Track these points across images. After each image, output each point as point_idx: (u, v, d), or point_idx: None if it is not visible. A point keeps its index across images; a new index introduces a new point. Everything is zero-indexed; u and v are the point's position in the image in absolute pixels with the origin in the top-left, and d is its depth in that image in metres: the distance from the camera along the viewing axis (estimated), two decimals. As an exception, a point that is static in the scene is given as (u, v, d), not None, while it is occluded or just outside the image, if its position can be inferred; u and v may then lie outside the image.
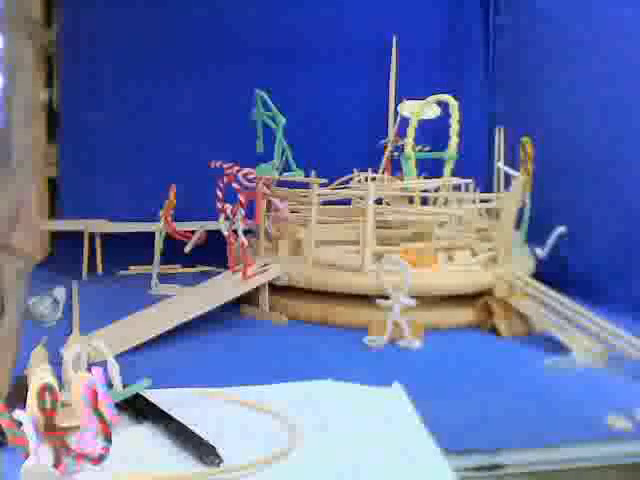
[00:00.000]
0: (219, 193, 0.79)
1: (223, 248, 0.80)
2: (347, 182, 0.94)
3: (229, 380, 0.57)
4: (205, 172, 0.81)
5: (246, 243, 0.77)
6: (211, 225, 0.87)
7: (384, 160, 0.97)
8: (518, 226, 0.84)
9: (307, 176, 0.91)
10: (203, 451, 0.44)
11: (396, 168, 0.95)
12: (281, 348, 0.69)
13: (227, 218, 0.78)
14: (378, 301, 0.69)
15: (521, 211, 0.83)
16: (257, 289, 0.77)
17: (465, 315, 0.75)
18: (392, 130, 0.98)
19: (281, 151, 0.91)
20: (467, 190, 0.89)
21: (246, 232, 0.78)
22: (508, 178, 0.85)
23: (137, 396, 0.52)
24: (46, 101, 1.03)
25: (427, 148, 0.93)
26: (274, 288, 0.78)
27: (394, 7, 1.10)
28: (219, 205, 0.78)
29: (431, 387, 0.58)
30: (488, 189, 0.91)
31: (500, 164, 0.88)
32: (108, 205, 1.04)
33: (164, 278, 0.89)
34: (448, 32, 1.15)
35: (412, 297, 0.68)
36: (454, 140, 0.84)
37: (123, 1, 1.05)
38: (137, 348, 0.67)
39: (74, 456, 0.43)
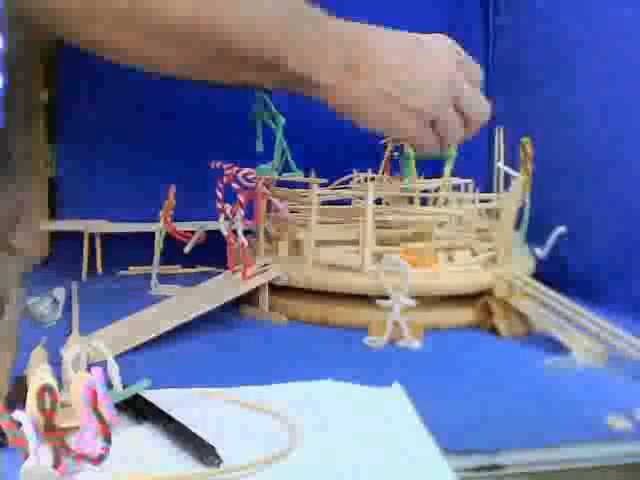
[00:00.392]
0: (219, 193, 0.79)
1: (223, 248, 0.80)
2: (347, 182, 0.94)
3: (229, 380, 0.57)
4: (205, 172, 0.81)
5: (246, 243, 0.77)
6: (211, 225, 0.87)
7: (384, 160, 0.97)
8: (518, 226, 0.84)
9: (307, 176, 0.91)
10: (203, 451, 0.44)
11: (395, 168, 0.95)
12: (281, 348, 0.69)
13: (227, 218, 0.78)
14: (378, 301, 0.69)
15: (521, 211, 0.83)
16: (257, 289, 0.77)
17: (465, 315, 0.75)
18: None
19: (281, 151, 0.91)
20: (467, 190, 0.89)
21: (246, 232, 0.78)
22: (508, 178, 0.84)
23: (137, 396, 0.52)
24: (46, 101, 1.03)
25: None
26: (274, 288, 0.78)
27: (394, 7, 1.10)
28: (219, 205, 0.78)
29: (431, 387, 0.58)
30: (488, 189, 0.91)
31: (500, 164, 0.88)
32: (108, 205, 1.04)
33: (164, 278, 0.89)
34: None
35: (412, 297, 0.68)
36: None
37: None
38: (137, 348, 0.67)
39: (74, 456, 0.42)
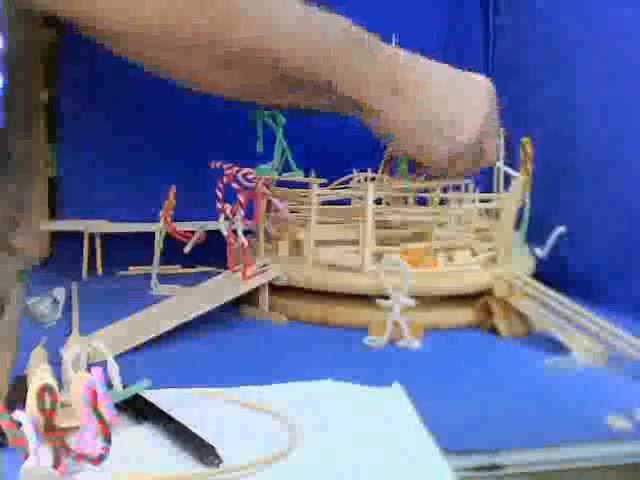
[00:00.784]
0: (219, 193, 0.79)
1: (223, 248, 0.80)
2: (347, 182, 0.94)
3: (229, 380, 0.57)
4: (205, 172, 0.81)
5: (246, 243, 0.77)
6: (211, 225, 0.87)
7: (384, 160, 0.96)
8: (518, 226, 0.84)
9: (307, 176, 0.91)
10: (203, 451, 0.44)
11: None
12: (281, 348, 0.69)
13: (227, 218, 0.78)
14: (378, 301, 0.69)
15: (521, 211, 0.83)
16: (257, 289, 0.77)
17: (465, 315, 0.75)
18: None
19: (281, 151, 0.91)
20: (467, 190, 0.89)
21: (246, 232, 0.78)
22: (508, 178, 0.84)
23: (137, 396, 0.52)
24: (46, 101, 1.03)
25: None
26: (274, 288, 0.78)
27: (394, 7, 1.10)
28: (219, 205, 0.78)
29: (431, 387, 0.58)
30: (488, 189, 0.91)
31: (500, 164, 0.88)
32: (108, 205, 1.04)
33: (164, 278, 0.89)
34: (448, 32, 1.15)
35: (412, 297, 0.68)
36: None
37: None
38: (137, 348, 0.67)
39: (74, 456, 0.42)
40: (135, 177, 1.06)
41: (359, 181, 0.93)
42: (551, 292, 0.72)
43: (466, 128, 0.76)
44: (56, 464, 0.42)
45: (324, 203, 0.86)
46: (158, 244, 0.88)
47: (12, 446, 0.43)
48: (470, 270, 0.77)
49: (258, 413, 0.52)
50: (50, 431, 0.42)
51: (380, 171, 0.92)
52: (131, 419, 0.50)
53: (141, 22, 0.69)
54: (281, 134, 0.90)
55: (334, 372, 0.58)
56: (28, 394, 0.42)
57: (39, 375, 0.43)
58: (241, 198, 0.77)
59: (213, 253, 0.87)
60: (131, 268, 0.98)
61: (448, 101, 0.76)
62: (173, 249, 0.90)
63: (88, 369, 0.52)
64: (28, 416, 0.42)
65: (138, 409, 0.51)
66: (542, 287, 0.73)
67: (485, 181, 0.93)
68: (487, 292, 0.74)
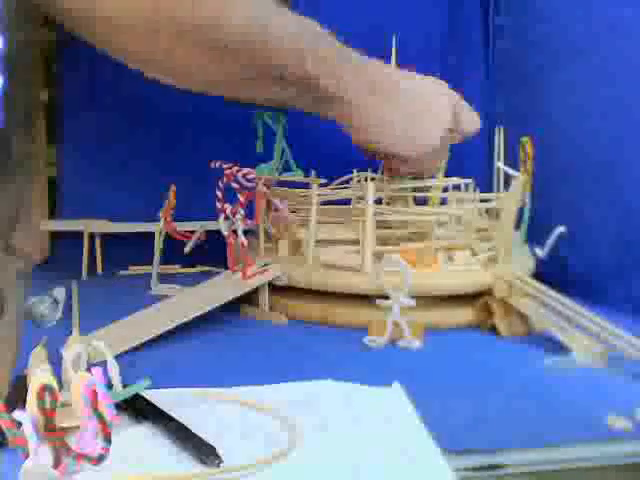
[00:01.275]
0: (219, 193, 0.79)
1: (223, 248, 0.80)
2: (347, 182, 0.94)
3: (229, 380, 0.57)
4: (205, 172, 0.81)
5: (246, 243, 0.77)
6: (211, 225, 0.87)
7: (384, 160, 0.96)
8: (518, 226, 0.84)
9: (307, 176, 0.91)
10: (203, 451, 0.44)
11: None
12: (281, 348, 0.69)
13: (227, 218, 0.78)
14: (378, 301, 0.69)
15: (521, 211, 0.83)
16: (257, 289, 0.77)
17: (465, 315, 0.75)
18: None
19: (281, 151, 0.91)
20: (467, 190, 0.89)
21: (246, 232, 0.78)
22: (508, 178, 0.84)
23: (137, 396, 0.52)
24: (46, 101, 1.03)
25: None
26: (274, 288, 0.78)
27: (394, 7, 1.10)
28: (219, 205, 0.78)
29: (431, 387, 0.58)
30: (488, 189, 0.91)
31: (500, 164, 0.88)
32: (108, 205, 1.04)
33: (164, 278, 0.89)
34: (448, 32, 1.15)
35: (412, 297, 0.68)
36: None
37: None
38: (137, 348, 0.67)
39: (74, 456, 0.42)
40: (135, 177, 1.06)
41: (359, 181, 0.93)
42: (551, 292, 0.72)
43: (433, 134, 0.80)
44: (56, 464, 0.42)
45: (324, 203, 0.86)
46: (158, 244, 0.88)
47: (12, 446, 0.43)
48: (470, 270, 0.77)
49: (258, 413, 0.52)
50: (50, 431, 0.42)
51: (380, 171, 0.92)
52: (131, 419, 0.50)
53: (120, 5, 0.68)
54: (281, 134, 0.90)
55: (334, 372, 0.58)
56: (28, 394, 0.42)
57: (39, 375, 0.43)
58: (241, 198, 0.77)
59: (213, 253, 0.87)
60: (131, 268, 0.98)
61: (417, 101, 0.80)
62: (173, 249, 0.90)
63: (88, 369, 0.52)
64: (28, 416, 0.42)
65: (138, 409, 0.51)
66: (542, 287, 0.73)
67: (485, 181, 0.93)
68: (487, 292, 0.74)
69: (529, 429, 0.50)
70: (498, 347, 0.70)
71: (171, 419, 0.49)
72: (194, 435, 0.46)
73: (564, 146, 0.90)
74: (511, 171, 0.85)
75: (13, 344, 0.68)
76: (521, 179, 0.80)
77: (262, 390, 0.55)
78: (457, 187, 0.90)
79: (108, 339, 0.64)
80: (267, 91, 0.77)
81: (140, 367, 0.62)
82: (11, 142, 0.97)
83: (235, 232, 0.78)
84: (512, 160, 0.87)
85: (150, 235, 0.89)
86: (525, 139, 0.83)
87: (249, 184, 0.81)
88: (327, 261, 0.77)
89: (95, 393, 0.43)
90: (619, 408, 0.52)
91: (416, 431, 0.48)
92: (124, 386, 0.52)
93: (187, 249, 0.88)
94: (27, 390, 0.43)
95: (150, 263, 0.89)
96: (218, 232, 0.80)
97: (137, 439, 0.48)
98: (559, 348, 0.66)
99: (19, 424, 0.42)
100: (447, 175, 0.89)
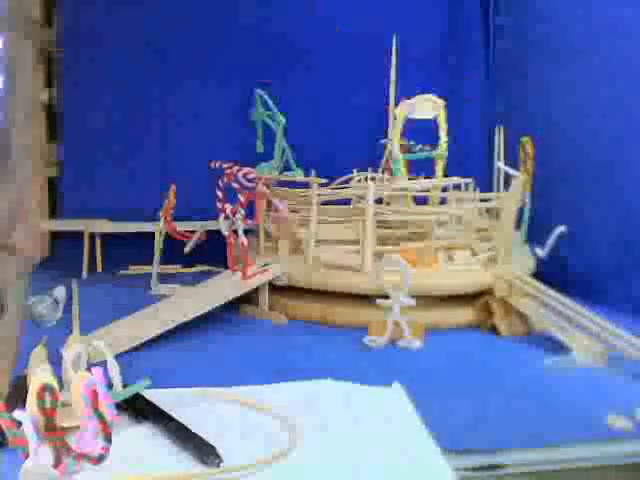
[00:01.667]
0: (219, 193, 0.79)
1: (223, 248, 0.80)
2: (347, 182, 0.94)
3: (229, 380, 0.57)
4: (205, 172, 0.81)
5: (246, 243, 0.77)
6: (211, 225, 0.87)
7: (384, 160, 0.97)
8: (518, 226, 0.84)
9: (307, 176, 0.91)
10: (203, 451, 0.44)
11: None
12: (281, 348, 0.69)
13: (227, 218, 0.78)
14: (378, 301, 0.69)
15: (521, 211, 0.83)
16: (257, 289, 0.77)
17: (465, 315, 0.75)
18: (394, 130, 0.98)
19: (281, 151, 0.91)
20: (467, 190, 0.89)
21: (246, 232, 0.78)
22: (508, 178, 0.85)
23: (137, 396, 0.52)
24: (46, 101, 1.03)
25: (427, 148, 0.93)
26: (274, 288, 0.78)
27: (394, 7, 1.10)
28: (219, 205, 0.78)
29: (431, 387, 0.58)
30: (488, 189, 0.91)
31: (500, 164, 0.88)
32: (108, 205, 1.04)
33: (164, 278, 0.89)
34: (448, 32, 1.15)
35: (412, 297, 0.68)
36: (444, 139, 0.84)
37: (123, 1, 1.05)
38: (137, 348, 0.67)
39: (74, 456, 0.42)
40: (135, 177, 1.06)
41: (359, 181, 0.93)
42: (551, 292, 0.72)
43: None
44: (56, 464, 0.42)
45: (324, 203, 0.86)
46: (158, 244, 0.88)
47: (12, 446, 0.43)
48: (470, 270, 0.77)
49: (258, 413, 0.52)
50: (50, 431, 0.42)
51: (381, 170, 0.93)
52: (131, 419, 0.50)
53: None
54: (281, 134, 0.90)
55: (334, 372, 0.58)
56: (28, 394, 0.42)
57: (39, 375, 0.43)
58: (241, 198, 0.77)
59: (213, 253, 0.87)
60: (131, 267, 0.98)
61: None
62: (173, 249, 0.90)
63: (88, 369, 0.52)
64: (28, 415, 0.42)
65: (138, 409, 0.51)
66: (542, 287, 0.73)
67: (485, 181, 0.94)
68: (487, 292, 0.74)
69: (529, 429, 0.50)
70: (498, 347, 0.70)
71: (171, 419, 0.49)
72: (194, 435, 0.46)
73: (564, 146, 0.91)
74: (511, 171, 0.85)
75: (13, 344, 0.68)
76: (521, 179, 0.80)
77: (262, 390, 0.55)
78: (457, 187, 0.90)
79: (108, 339, 0.64)
80: None
81: (140, 367, 0.61)
82: (11, 142, 0.97)
83: (235, 232, 0.78)
84: (512, 160, 0.87)
85: (150, 235, 0.90)
86: (525, 139, 0.84)
87: (249, 184, 0.81)
88: (327, 261, 0.77)
89: (95, 393, 0.43)
90: (619, 408, 0.52)
91: (416, 431, 0.48)
92: (124, 386, 0.52)
93: (187, 249, 0.88)
94: (27, 390, 0.43)
95: (150, 263, 0.89)
96: (218, 232, 0.80)
97: (137, 439, 0.48)
98: (559, 348, 0.66)
99: (19, 424, 0.42)
100: (447, 175, 0.89)
